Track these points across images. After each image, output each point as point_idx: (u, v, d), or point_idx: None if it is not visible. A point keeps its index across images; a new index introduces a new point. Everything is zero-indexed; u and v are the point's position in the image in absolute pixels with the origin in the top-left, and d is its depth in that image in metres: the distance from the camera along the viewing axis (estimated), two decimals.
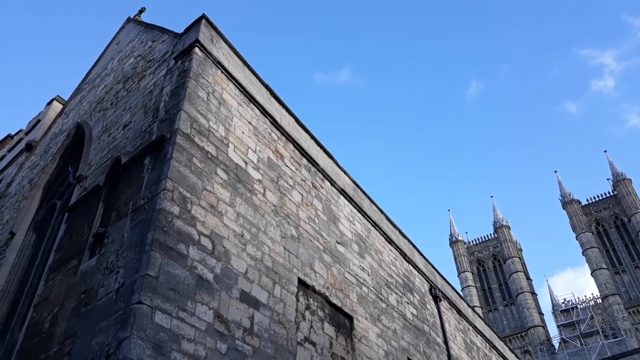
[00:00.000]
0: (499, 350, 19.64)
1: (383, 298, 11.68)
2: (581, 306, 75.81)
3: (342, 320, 9.73)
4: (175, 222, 6.74)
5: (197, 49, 8.92)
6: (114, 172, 8.56)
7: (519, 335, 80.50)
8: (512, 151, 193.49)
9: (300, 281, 8.87)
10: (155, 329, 5.78)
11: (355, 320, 10.00)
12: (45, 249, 9.81)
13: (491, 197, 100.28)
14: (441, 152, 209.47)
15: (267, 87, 10.47)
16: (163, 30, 11.29)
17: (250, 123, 9.45)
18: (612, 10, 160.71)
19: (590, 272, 78.25)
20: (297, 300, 8.65)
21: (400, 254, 13.92)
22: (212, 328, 6.55)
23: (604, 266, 77.30)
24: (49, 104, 18.72)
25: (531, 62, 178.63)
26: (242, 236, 7.86)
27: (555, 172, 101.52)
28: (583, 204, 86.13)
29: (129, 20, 15.17)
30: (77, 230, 8.55)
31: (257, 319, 7.39)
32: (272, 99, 10.54)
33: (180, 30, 9.95)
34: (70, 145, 11.99)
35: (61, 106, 17.17)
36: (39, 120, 18.15)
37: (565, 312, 75.59)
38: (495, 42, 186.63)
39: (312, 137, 11.53)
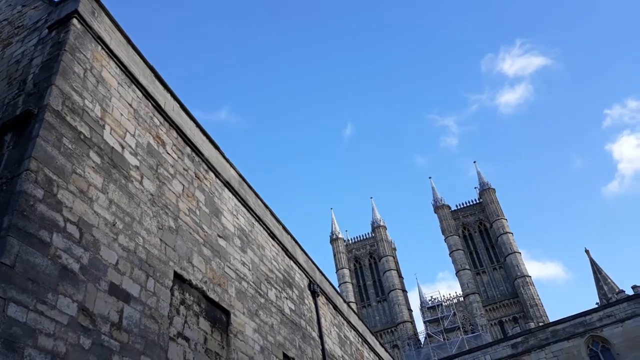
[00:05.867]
0: (370, 345, 20.48)
1: (262, 293, 11.62)
2: (446, 304, 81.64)
3: (218, 315, 9.51)
4: (38, 207, 6.13)
5: (75, 21, 8.19)
6: None
7: (390, 330, 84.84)
8: (391, 155, 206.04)
9: (176, 275, 8.52)
10: (7, 323, 5.22)
11: (232, 315, 9.83)
12: None
13: (371, 198, 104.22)
14: (325, 152, 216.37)
15: (151, 68, 9.93)
16: None
17: (130, 105, 8.89)
18: (453, 86, 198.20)
19: (455, 272, 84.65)
20: (172, 294, 8.30)
21: (283, 249, 13.96)
22: (76, 322, 6.07)
23: (467, 267, 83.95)
24: None
25: (388, 120, 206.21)
26: (114, 225, 7.36)
27: (430, 178, 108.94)
28: (453, 209, 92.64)
29: None
30: None
31: (127, 313, 6.97)
32: (157, 82, 10.02)
33: None
34: None
35: None
36: None
37: (432, 309, 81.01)
38: (365, 95, 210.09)
39: (198, 126, 11.13)
